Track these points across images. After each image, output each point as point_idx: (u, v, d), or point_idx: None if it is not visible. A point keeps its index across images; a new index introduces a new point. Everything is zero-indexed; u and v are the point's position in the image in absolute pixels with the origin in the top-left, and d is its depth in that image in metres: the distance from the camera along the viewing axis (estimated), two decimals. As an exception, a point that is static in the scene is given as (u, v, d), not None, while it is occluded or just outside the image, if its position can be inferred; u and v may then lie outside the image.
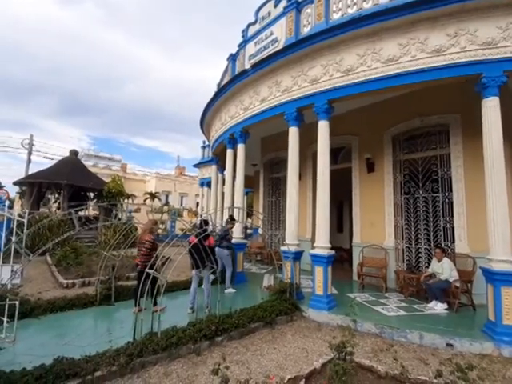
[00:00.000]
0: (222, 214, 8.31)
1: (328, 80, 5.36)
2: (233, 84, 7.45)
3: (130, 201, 26.11)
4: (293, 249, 5.39)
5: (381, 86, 4.89)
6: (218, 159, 10.62)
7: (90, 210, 19.64)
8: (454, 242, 5.68)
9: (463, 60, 4.23)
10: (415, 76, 4.56)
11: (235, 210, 6.96)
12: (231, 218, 6.49)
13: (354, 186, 7.50)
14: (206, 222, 5.22)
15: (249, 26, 7.82)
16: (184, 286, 6.27)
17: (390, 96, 6.28)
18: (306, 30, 6.02)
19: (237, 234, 7.09)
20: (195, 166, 19.38)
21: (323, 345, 3.82)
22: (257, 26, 7.56)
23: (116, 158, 40.77)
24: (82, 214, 16.64)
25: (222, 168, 11.42)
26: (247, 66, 7.21)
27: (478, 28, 4.20)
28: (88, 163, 27.78)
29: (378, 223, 6.80)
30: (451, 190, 5.79)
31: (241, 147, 7.52)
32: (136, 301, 4.49)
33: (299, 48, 5.64)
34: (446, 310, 4.89)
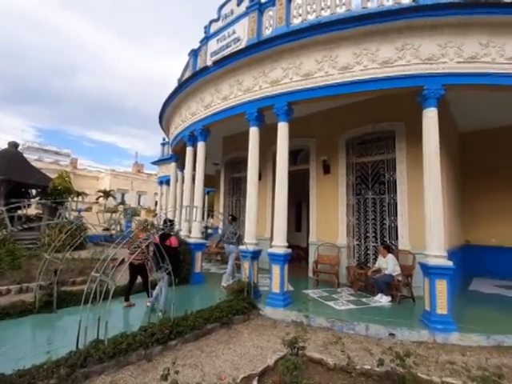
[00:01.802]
0: (181, 213, 8.07)
1: (288, 83, 5.49)
2: (194, 80, 7.28)
3: (80, 199, 24.17)
4: (251, 248, 5.42)
5: (336, 92, 5.14)
6: (178, 157, 10.30)
7: (33, 209, 17.78)
8: (397, 239, 6.20)
9: (408, 73, 4.62)
10: (367, 85, 4.87)
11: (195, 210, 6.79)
12: (233, 218, 6.92)
13: (311, 186, 7.78)
14: (170, 222, 5.08)
15: (211, 22, 7.69)
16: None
17: (345, 102, 6.64)
18: (267, 32, 6.11)
19: (195, 233, 6.94)
20: (154, 163, 18.59)
21: (278, 341, 3.89)
22: (219, 24, 7.47)
23: (64, 152, 37.43)
24: (21, 212, 14.96)
25: (181, 166, 11.08)
26: (209, 63, 7.09)
27: (421, 44, 4.62)
28: (31, 157, 25.10)
29: (332, 222, 7.15)
30: (396, 192, 6.31)
31: (201, 145, 7.37)
32: (127, 296, 5.04)
33: (261, 49, 5.70)
34: (390, 302, 5.31)
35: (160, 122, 10.72)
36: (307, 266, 7.73)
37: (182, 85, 7.76)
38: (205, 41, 7.83)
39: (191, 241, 6.78)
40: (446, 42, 4.52)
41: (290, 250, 5.27)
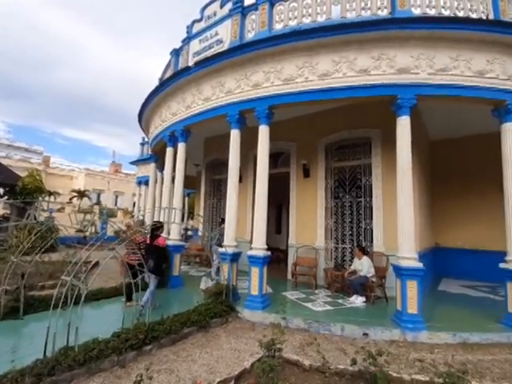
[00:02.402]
0: (159, 214, 7.91)
1: (269, 86, 5.56)
2: (175, 80, 7.18)
3: (52, 199, 23.06)
4: (230, 250, 5.41)
5: (316, 98, 5.27)
6: (158, 157, 10.09)
7: (0, 209, 16.74)
8: (372, 241, 6.42)
9: (383, 82, 4.83)
10: (345, 92, 5.03)
11: (175, 211, 6.68)
12: (222, 221, 6.97)
13: (291, 189, 7.89)
14: (160, 223, 5.38)
15: (194, 22, 7.64)
16: (112, 293, 5.77)
17: (325, 108, 6.80)
18: (250, 36, 6.15)
19: (174, 235, 6.83)
20: (133, 163, 18.11)
21: (256, 344, 3.87)
22: (202, 24, 7.43)
23: (35, 149, 35.55)
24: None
25: (161, 167, 10.84)
26: (191, 63, 7.03)
27: (396, 55, 4.84)
28: (-2, 153, 23.61)
29: (311, 225, 7.28)
30: (371, 196, 6.54)
31: (182, 146, 7.27)
32: (129, 296, 4.99)
33: (243, 52, 5.73)
34: (364, 302, 5.48)
35: (139, 121, 10.47)
36: (286, 268, 7.81)
37: (163, 84, 7.64)
38: (187, 41, 7.75)
39: (170, 243, 6.64)
40: (419, 53, 4.76)
41: (269, 253, 5.31)
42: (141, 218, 7.38)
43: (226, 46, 6.37)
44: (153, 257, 4.89)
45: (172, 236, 6.81)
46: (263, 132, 5.60)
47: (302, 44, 5.20)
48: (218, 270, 5.65)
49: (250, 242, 7.64)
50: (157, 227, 5.19)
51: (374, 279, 5.55)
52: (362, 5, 5.17)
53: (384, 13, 5.06)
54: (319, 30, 5.03)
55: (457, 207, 8.59)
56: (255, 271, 5.12)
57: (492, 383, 3.16)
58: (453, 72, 4.68)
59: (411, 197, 4.64)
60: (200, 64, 6.46)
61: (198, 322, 4.35)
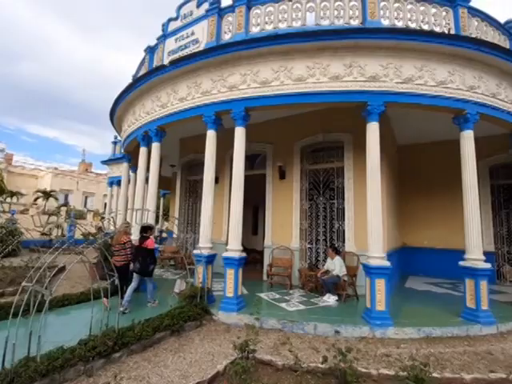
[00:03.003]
0: (132, 216, 7.66)
1: (246, 89, 5.58)
2: (149, 78, 7.00)
3: (14, 199, 21.57)
4: (205, 252, 5.36)
5: (291, 102, 5.37)
6: (131, 157, 9.77)
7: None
8: (344, 242, 6.64)
9: (355, 88, 5.02)
10: (319, 97, 5.18)
11: (145, 213, 6.50)
12: None
13: (267, 191, 7.96)
14: (149, 226, 5.59)
15: (169, 20, 7.49)
16: (79, 299, 5.50)
17: (301, 111, 6.94)
18: (226, 37, 6.15)
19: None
20: (104, 162, 17.38)
21: (230, 346, 3.87)
22: (178, 23, 7.31)
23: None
24: None
25: (134, 167, 10.51)
26: (166, 62, 6.90)
27: (367, 63, 5.05)
28: (-48, 150, 21.64)
29: (286, 226, 7.39)
30: (344, 198, 6.77)
31: (156, 146, 7.10)
32: (121, 298, 4.84)
33: (220, 53, 5.70)
34: (336, 301, 5.65)
35: (111, 119, 10.07)
36: (263, 269, 7.86)
37: (137, 82, 7.41)
38: (162, 38, 7.59)
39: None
40: (388, 63, 5.01)
41: (244, 254, 5.32)
42: (111, 219, 7.10)
43: (202, 46, 6.32)
44: (140, 258, 5.13)
45: (145, 238, 6.61)
46: (239, 133, 5.62)
47: (278, 48, 5.28)
48: (193, 272, 5.57)
49: (226, 243, 7.62)
50: (146, 229, 5.41)
51: (345, 278, 5.75)
52: (336, 13, 5.36)
53: (356, 22, 5.27)
54: (295, 35, 5.14)
55: (423, 209, 9.12)
56: (230, 273, 5.11)
57: (452, 374, 3.36)
58: (418, 82, 4.98)
59: (380, 199, 4.86)
60: (175, 63, 6.35)
61: (171, 326, 4.26)
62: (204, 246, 5.46)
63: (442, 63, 5.06)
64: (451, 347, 4.17)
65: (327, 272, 5.94)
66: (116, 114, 9.37)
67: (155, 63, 7.62)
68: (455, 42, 4.95)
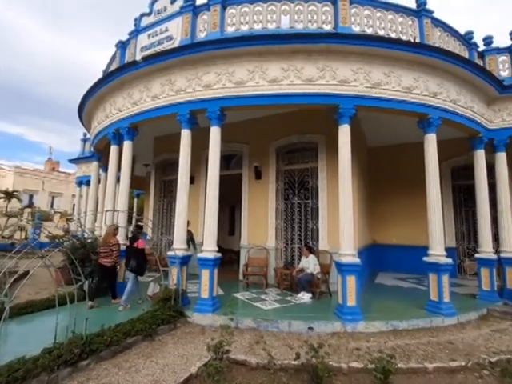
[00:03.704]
0: (103, 217, 7.35)
1: (221, 88, 5.54)
2: (121, 74, 6.75)
3: (-29, 200, 19.93)
4: (180, 253, 5.26)
5: (266, 103, 5.43)
6: (101, 156, 9.35)
7: None
8: (318, 240, 6.81)
9: (327, 91, 5.16)
10: (293, 98, 5.27)
11: (119, 214, 6.26)
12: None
13: (243, 191, 7.97)
14: (139, 227, 6.24)
15: (142, 16, 7.27)
16: (44, 305, 5.19)
17: (275, 112, 7.02)
18: (201, 36, 6.07)
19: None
20: (72, 161, 16.49)
21: (204, 348, 3.83)
22: (151, 18, 7.11)
23: (-51, 142, 30.27)
24: None
25: (105, 166, 10.08)
26: (138, 58, 6.68)
27: (339, 67, 5.21)
28: None
29: (262, 226, 7.44)
30: (318, 198, 6.95)
31: (128, 145, 6.85)
32: (113, 294, 5.60)
33: (194, 51, 5.63)
34: (310, 298, 5.79)
35: (80, 115, 9.58)
36: (239, 269, 7.86)
37: (107, 77, 7.12)
38: (134, 34, 7.35)
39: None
40: (358, 68, 5.21)
41: (219, 255, 5.29)
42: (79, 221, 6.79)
43: (176, 44, 6.20)
44: (134, 258, 5.38)
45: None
46: (215, 133, 5.58)
47: (253, 49, 5.31)
48: (167, 274, 5.46)
49: (202, 244, 7.54)
50: (137, 230, 5.90)
51: (319, 276, 5.90)
52: (309, 17, 5.47)
53: (328, 27, 5.42)
54: (269, 37, 5.19)
55: (391, 208, 9.58)
56: (205, 274, 5.06)
57: (416, 364, 3.56)
58: (386, 87, 5.22)
59: (351, 198, 5.04)
60: (148, 59, 6.18)
61: (143, 330, 4.14)
62: (178, 247, 5.36)
63: (407, 70, 5.34)
64: (416, 338, 4.41)
65: (302, 270, 6.06)
66: (85, 111, 8.94)
67: (127, 59, 7.36)
68: (419, 50, 5.24)
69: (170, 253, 5.36)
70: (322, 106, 5.40)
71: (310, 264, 5.91)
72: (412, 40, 5.64)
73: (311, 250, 6.22)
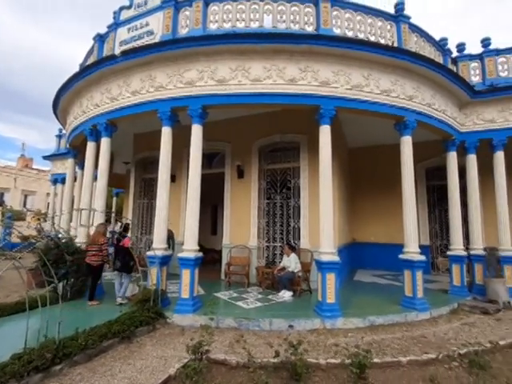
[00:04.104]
0: (78, 217, 7.09)
1: (203, 86, 5.48)
2: (98, 68, 6.52)
3: None
4: (160, 253, 5.16)
5: (249, 102, 5.42)
6: (77, 152, 9.00)
7: None
8: (299, 239, 6.90)
9: (309, 92, 5.23)
10: (275, 98, 5.30)
11: (96, 214, 6.05)
12: None
13: (225, 190, 7.94)
14: (126, 226, 6.37)
15: (121, 9, 7.05)
16: (15, 309, 4.94)
17: (259, 111, 7.01)
18: (183, 32, 5.97)
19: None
20: (46, 158, 15.77)
21: (184, 349, 3.79)
22: (131, 12, 6.91)
23: None
24: None
25: (81, 163, 9.72)
26: (117, 52, 6.48)
27: (320, 69, 5.29)
28: None
29: (245, 225, 7.44)
30: (299, 197, 7.03)
31: (105, 141, 6.63)
32: (92, 295, 5.55)
33: (176, 47, 5.53)
34: (291, 296, 5.86)
35: (54, 110, 9.16)
36: (221, 268, 7.82)
37: (84, 71, 6.85)
38: (114, 27, 7.11)
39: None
40: (339, 70, 5.31)
41: (201, 254, 5.24)
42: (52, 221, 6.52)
43: (157, 39, 6.06)
44: (119, 257, 5.49)
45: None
46: (196, 131, 5.51)
47: (236, 47, 5.29)
48: (146, 274, 5.34)
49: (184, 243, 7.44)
50: (125, 229, 6.04)
51: (300, 274, 5.98)
52: (292, 18, 5.51)
53: (310, 28, 5.49)
54: (253, 35, 5.18)
55: (370, 207, 9.87)
56: (186, 273, 5.00)
57: (391, 358, 3.68)
58: (365, 89, 5.35)
59: (331, 198, 5.14)
60: (128, 54, 6.00)
61: (120, 332, 4.03)
62: (158, 247, 5.26)
63: (385, 73, 5.51)
64: (392, 333, 4.57)
65: (283, 269, 6.11)
66: (60, 105, 8.56)
67: (105, 53, 7.11)
68: (396, 54, 5.41)
69: (149, 253, 5.24)
70: (303, 107, 5.46)
71: (291, 262, 5.97)
72: (390, 44, 5.82)
73: (293, 249, 6.29)
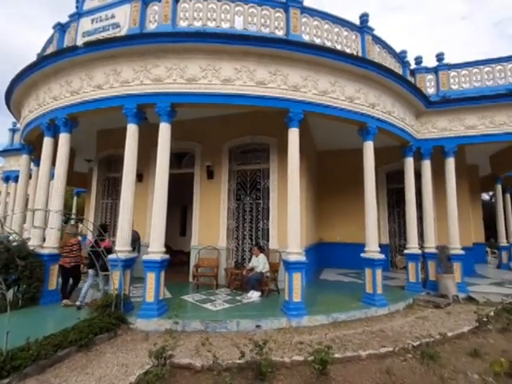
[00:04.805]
0: (33, 217, 6.57)
1: (172, 83, 5.36)
2: (58, 58, 6.11)
3: None
4: (123, 256, 4.94)
5: (219, 102, 5.39)
6: (32, 148, 8.34)
7: None
8: (268, 240, 6.99)
9: (278, 95, 5.33)
10: (246, 99, 5.32)
11: (52, 214, 5.65)
12: None
13: (195, 191, 7.81)
14: (104, 226, 6.46)
15: (85, -3, 6.66)
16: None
17: (230, 112, 6.99)
18: (152, 27, 5.78)
19: (51, 242, 5.75)
20: (-3, 153, 14.40)
21: (147, 355, 3.68)
22: (95, 2, 6.53)
23: None
24: None
25: (37, 159, 9.02)
26: (80, 43, 6.12)
27: (289, 73, 5.41)
28: None
29: (214, 226, 7.38)
30: (269, 198, 7.12)
31: (64, 137, 6.21)
32: (64, 295, 5.50)
33: (143, 42, 5.37)
34: (260, 296, 5.91)
35: (7, 102, 8.41)
36: (189, 270, 7.67)
37: (42, 61, 6.38)
38: (76, 17, 6.69)
39: (45, 252, 5.58)
40: (307, 75, 5.48)
41: (167, 256, 5.10)
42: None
43: (123, 32, 5.81)
44: (99, 258, 5.19)
45: (48, 243, 5.74)
46: (164, 130, 5.37)
47: (206, 46, 5.24)
48: (108, 278, 5.09)
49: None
50: (104, 229, 5.89)
51: (268, 274, 6.06)
52: (262, 21, 5.57)
53: (280, 33, 5.59)
54: (223, 36, 5.17)
55: (337, 208, 10.28)
56: (151, 277, 4.83)
57: (351, 353, 3.85)
58: (331, 95, 5.58)
59: (299, 199, 5.27)
60: (91, 45, 5.71)
61: (77, 340, 3.80)
62: (122, 250, 5.03)
63: (350, 81, 5.78)
64: (353, 329, 4.79)
65: (252, 270, 6.15)
66: (14, 96, 7.88)
67: (66, 43, 6.67)
68: (360, 64, 5.71)
69: (111, 256, 4.99)
70: (273, 109, 5.55)
71: (259, 263, 6.03)
72: (355, 54, 6.11)
73: (261, 250, 6.35)
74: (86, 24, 6.52)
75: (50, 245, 5.69)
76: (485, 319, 4.94)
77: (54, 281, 5.65)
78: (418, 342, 4.15)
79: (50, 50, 7.24)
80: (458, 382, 3.26)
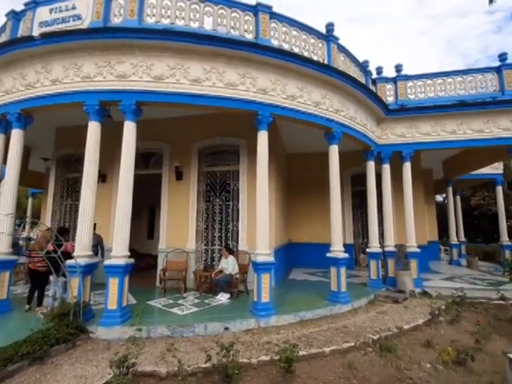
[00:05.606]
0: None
1: (138, 81, 5.18)
2: (11, 49, 5.65)
3: None
4: (83, 261, 4.67)
5: (187, 102, 5.30)
6: (-21, 145, 7.58)
7: None
8: (238, 242, 7.00)
9: (248, 98, 5.37)
10: (215, 100, 5.30)
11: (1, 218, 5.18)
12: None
13: (163, 192, 7.60)
14: (64, 229, 6.18)
15: (43, -15, 6.21)
16: None
17: (200, 113, 6.88)
18: (116, 21, 5.54)
19: (0, 248, 5.28)
20: None
21: (108, 364, 3.51)
22: (54, -9, 6.15)
23: None
24: None
25: (-15, 157, 8.22)
26: (36, 33, 5.70)
27: (258, 76, 5.49)
28: None
29: (182, 228, 7.23)
30: (238, 200, 7.14)
31: (17, 133, 5.72)
32: (30, 300, 5.36)
33: (107, 36, 5.14)
34: (229, 299, 5.89)
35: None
36: (157, 274, 7.43)
37: (-8, 50, 5.84)
38: (32, 5, 6.20)
39: (-3, 258, 5.12)
40: (276, 79, 5.61)
41: (132, 260, 4.90)
42: None
43: (85, 24, 5.51)
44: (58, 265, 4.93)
45: (-1, 249, 5.26)
46: (130, 129, 5.18)
47: (175, 45, 5.14)
48: (66, 286, 4.78)
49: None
50: (61, 233, 5.45)
51: (237, 276, 6.06)
52: (232, 24, 5.60)
53: (250, 36, 5.65)
54: (192, 35, 5.11)
55: (304, 209, 10.58)
56: (114, 282, 4.60)
57: (316, 349, 3.98)
58: (299, 100, 5.75)
59: (267, 200, 5.34)
60: (50, 37, 5.34)
61: (30, 353, 3.52)
62: (81, 254, 4.75)
63: (317, 87, 6.00)
64: (319, 326, 4.95)
65: (221, 272, 6.12)
66: (-44, 88, 7.11)
67: (21, 33, 6.18)
68: (327, 71, 5.95)
69: (69, 261, 4.69)
70: (242, 111, 5.58)
71: (229, 265, 6.02)
72: (321, 61, 6.35)
73: (231, 251, 6.34)
74: (44, 13, 6.08)
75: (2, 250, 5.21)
76: (437, 312, 5.37)
77: (4, 289, 5.18)
78: (377, 336, 4.40)
79: (2, 39, 6.66)
80: (413, 371, 3.51)
